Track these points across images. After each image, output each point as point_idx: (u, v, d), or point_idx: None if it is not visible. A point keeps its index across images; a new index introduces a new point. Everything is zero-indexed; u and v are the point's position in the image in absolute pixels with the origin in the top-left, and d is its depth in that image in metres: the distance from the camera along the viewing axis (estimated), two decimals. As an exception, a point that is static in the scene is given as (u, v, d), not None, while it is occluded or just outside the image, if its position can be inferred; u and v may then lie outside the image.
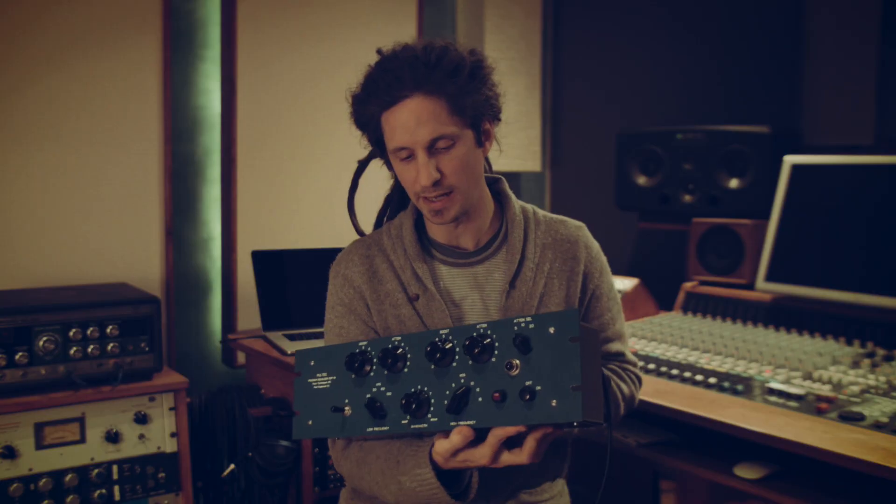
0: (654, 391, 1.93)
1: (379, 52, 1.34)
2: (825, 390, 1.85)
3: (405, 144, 1.28)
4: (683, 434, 2.05)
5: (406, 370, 1.22)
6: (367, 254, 1.43)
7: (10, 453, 2.07)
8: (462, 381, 1.16)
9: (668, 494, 2.37)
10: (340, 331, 1.40)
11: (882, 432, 1.62)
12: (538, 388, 1.10)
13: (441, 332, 1.20)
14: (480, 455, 1.16)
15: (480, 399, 1.14)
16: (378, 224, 1.55)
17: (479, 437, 1.16)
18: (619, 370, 1.49)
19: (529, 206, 1.48)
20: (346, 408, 1.25)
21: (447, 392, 1.17)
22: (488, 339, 1.15)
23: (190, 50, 2.81)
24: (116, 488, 2.20)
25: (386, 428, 1.22)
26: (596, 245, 1.50)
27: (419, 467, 1.22)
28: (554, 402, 1.08)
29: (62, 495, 2.12)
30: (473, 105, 1.30)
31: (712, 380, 1.97)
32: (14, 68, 2.45)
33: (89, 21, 2.55)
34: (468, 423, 1.14)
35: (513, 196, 1.47)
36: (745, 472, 1.86)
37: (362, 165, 1.52)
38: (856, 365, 1.97)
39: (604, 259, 1.50)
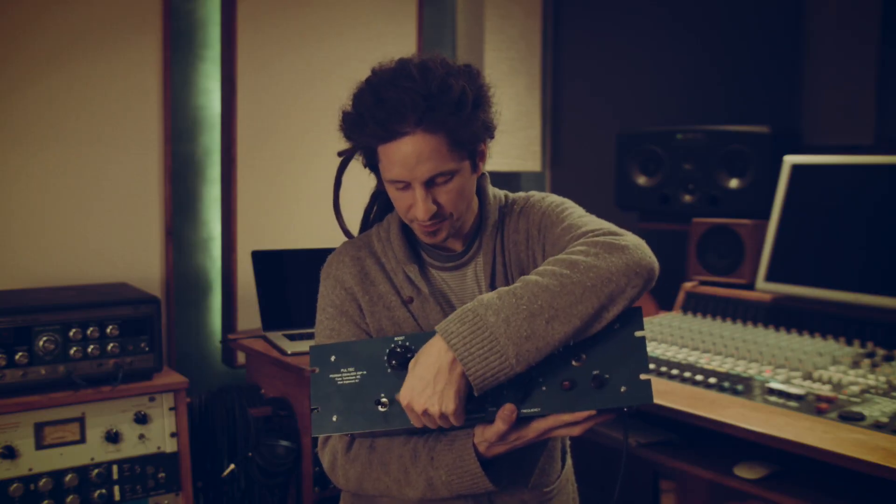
0: (654, 391, 1.93)
1: (374, 72, 1.28)
2: (825, 390, 1.85)
3: (403, 178, 1.26)
4: (683, 434, 2.05)
5: None
6: (357, 255, 1.42)
7: (10, 453, 2.07)
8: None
9: (668, 494, 2.37)
10: (331, 333, 1.39)
11: (882, 432, 1.62)
12: (606, 376, 1.20)
13: None
14: (534, 429, 1.22)
15: (545, 388, 1.21)
16: (365, 221, 1.53)
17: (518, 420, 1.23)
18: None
19: (502, 197, 1.45)
20: (388, 401, 1.25)
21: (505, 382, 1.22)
22: None
23: (190, 50, 2.81)
24: (116, 488, 2.20)
25: None
26: (545, 205, 1.40)
27: (462, 461, 1.24)
28: (623, 389, 1.19)
29: (62, 495, 2.12)
30: (472, 136, 1.27)
31: (712, 380, 1.97)
32: (14, 68, 2.45)
33: (89, 21, 2.55)
34: (533, 410, 1.21)
35: (490, 194, 1.43)
36: (745, 472, 1.86)
37: (346, 160, 1.46)
38: (856, 365, 1.97)
39: (553, 208, 1.39)
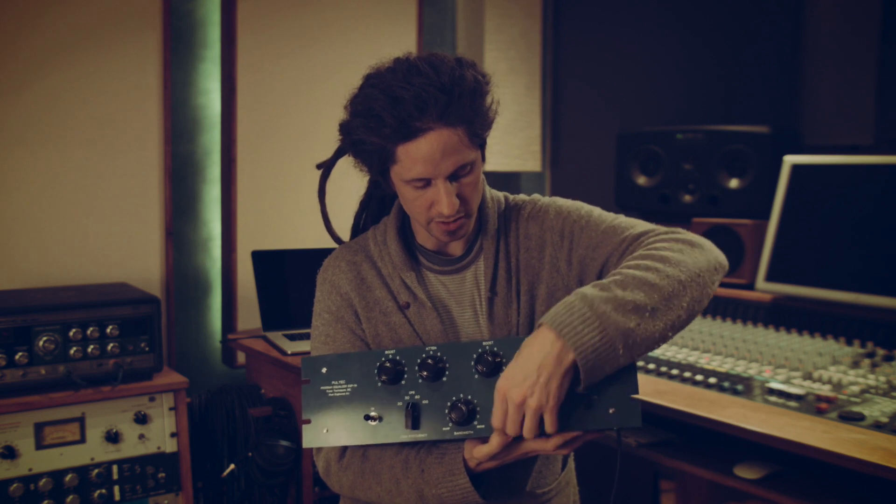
0: (654, 391, 1.93)
1: (374, 75, 1.25)
2: (825, 390, 1.85)
3: (426, 175, 1.24)
4: (683, 434, 2.05)
5: (445, 379, 1.24)
6: (353, 260, 1.40)
7: (10, 453, 2.07)
8: None
9: (668, 494, 2.37)
10: (327, 339, 1.39)
11: (882, 432, 1.62)
12: (595, 396, 1.17)
13: (485, 343, 1.24)
14: (523, 448, 1.21)
15: None
16: (355, 229, 1.51)
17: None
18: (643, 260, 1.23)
19: (502, 199, 1.44)
20: (378, 415, 1.26)
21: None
22: None
23: (190, 50, 2.81)
24: (116, 488, 2.20)
25: (424, 435, 1.24)
26: (564, 211, 1.39)
27: (452, 475, 1.24)
28: (612, 410, 1.17)
29: (62, 495, 2.12)
30: (483, 126, 1.27)
31: (712, 380, 1.97)
32: (14, 68, 2.45)
33: (89, 21, 2.55)
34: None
35: (488, 194, 1.42)
36: (745, 472, 1.86)
37: (328, 169, 1.43)
38: (856, 365, 1.97)
39: (579, 213, 1.39)
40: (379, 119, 1.21)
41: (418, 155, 1.22)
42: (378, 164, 1.28)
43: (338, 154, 1.38)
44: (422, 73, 1.20)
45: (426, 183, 1.25)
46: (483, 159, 1.33)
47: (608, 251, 1.33)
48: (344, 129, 1.29)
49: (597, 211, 1.41)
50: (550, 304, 1.36)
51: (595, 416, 1.17)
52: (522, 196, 1.46)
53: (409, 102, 1.19)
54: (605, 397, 1.17)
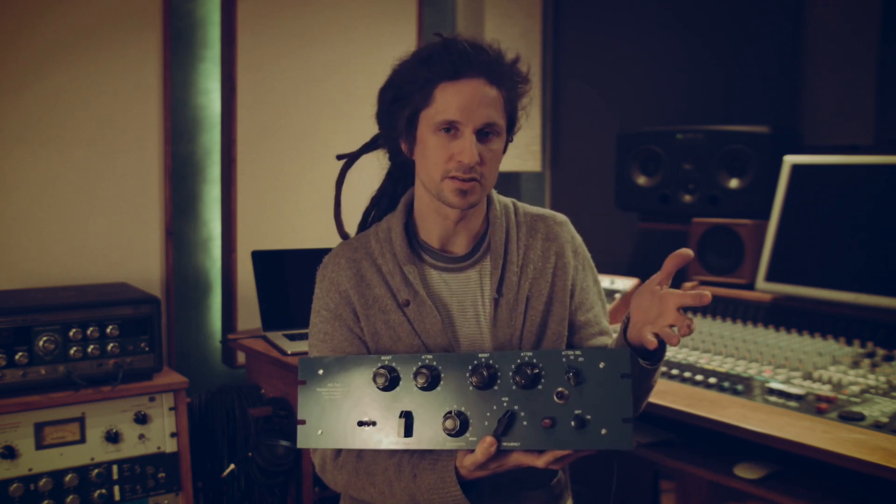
0: (654, 391, 1.93)
1: (438, 34, 1.36)
2: (825, 390, 1.85)
3: (459, 119, 1.28)
4: (683, 434, 2.05)
5: (440, 389, 1.24)
6: (353, 257, 1.41)
7: (10, 453, 2.07)
8: (505, 404, 1.22)
9: (668, 494, 2.37)
10: (325, 336, 1.39)
11: (882, 432, 1.62)
12: (588, 416, 1.18)
13: (481, 355, 1.24)
14: (514, 460, 1.23)
15: (526, 423, 1.21)
16: (363, 226, 1.52)
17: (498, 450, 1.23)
18: None
19: (510, 203, 1.46)
20: (371, 421, 1.25)
21: (488, 414, 1.22)
22: (536, 368, 1.21)
23: (190, 50, 2.81)
24: (116, 488, 2.20)
25: (416, 444, 1.24)
26: (578, 239, 1.49)
27: (444, 483, 1.25)
28: (604, 431, 1.17)
29: (62, 495, 2.12)
30: (512, 112, 1.35)
31: (712, 380, 1.97)
32: (14, 68, 2.45)
33: (89, 21, 2.55)
34: (514, 445, 1.20)
35: (496, 197, 1.45)
36: (745, 472, 1.86)
37: (351, 160, 1.48)
38: (856, 365, 1.97)
39: (587, 254, 1.49)
40: (430, 57, 1.30)
41: (455, 98, 1.28)
42: (413, 105, 1.32)
43: (364, 148, 1.45)
44: (473, 38, 1.33)
45: (454, 130, 1.29)
46: (504, 150, 1.37)
47: (584, 324, 1.45)
48: (393, 77, 1.35)
49: (597, 279, 1.52)
50: (561, 329, 1.40)
51: (587, 436, 1.17)
52: (536, 207, 1.49)
53: (460, 52, 1.29)
54: (598, 418, 1.17)
